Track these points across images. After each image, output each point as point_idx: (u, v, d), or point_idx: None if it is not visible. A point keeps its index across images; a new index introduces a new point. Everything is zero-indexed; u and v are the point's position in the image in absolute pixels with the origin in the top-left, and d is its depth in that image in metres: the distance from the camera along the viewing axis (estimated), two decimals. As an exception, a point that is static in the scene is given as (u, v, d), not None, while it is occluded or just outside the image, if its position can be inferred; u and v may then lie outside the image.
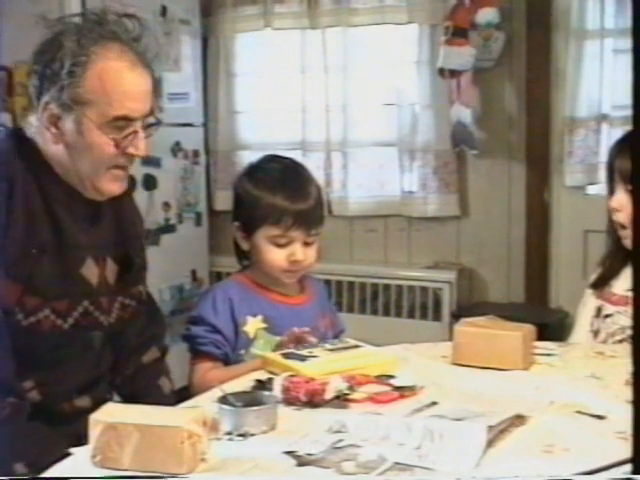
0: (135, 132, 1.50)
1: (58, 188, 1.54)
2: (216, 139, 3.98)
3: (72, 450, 1.19)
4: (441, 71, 3.40)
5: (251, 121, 4.01)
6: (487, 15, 3.30)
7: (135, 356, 1.74)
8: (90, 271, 1.58)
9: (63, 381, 1.55)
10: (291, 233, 1.73)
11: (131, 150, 1.51)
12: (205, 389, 1.64)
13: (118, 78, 1.48)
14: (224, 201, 3.86)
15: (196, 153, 3.83)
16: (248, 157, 3.91)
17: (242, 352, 1.71)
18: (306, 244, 1.76)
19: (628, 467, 1.02)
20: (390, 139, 3.75)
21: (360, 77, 3.75)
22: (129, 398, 1.67)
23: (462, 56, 3.32)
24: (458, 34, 3.31)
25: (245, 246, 1.80)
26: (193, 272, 3.78)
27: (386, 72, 3.72)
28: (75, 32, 1.49)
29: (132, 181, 1.72)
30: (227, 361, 1.75)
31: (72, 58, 1.46)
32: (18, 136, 1.56)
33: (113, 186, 1.56)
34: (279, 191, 1.74)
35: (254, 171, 1.82)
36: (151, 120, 1.54)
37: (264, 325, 1.73)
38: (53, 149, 1.52)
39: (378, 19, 3.68)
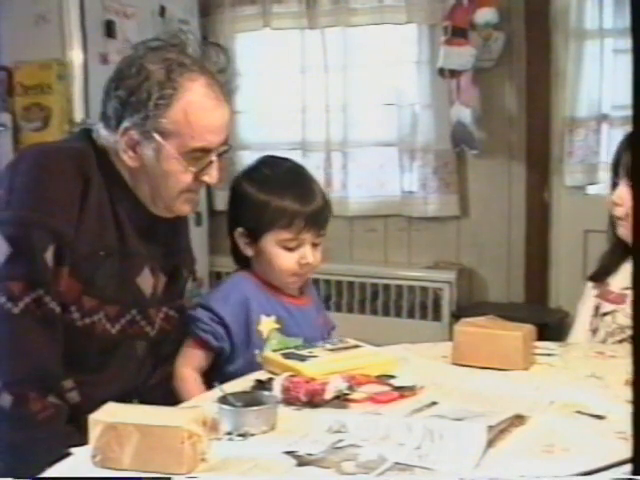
0: (211, 162, 1.53)
1: (126, 198, 1.56)
2: (216, 139, 3.98)
3: (72, 450, 1.19)
4: (441, 71, 3.41)
5: (251, 121, 4.01)
6: (486, 15, 3.30)
7: (164, 365, 1.72)
8: (145, 281, 1.60)
9: (104, 386, 1.54)
10: (302, 236, 1.70)
11: (205, 178, 1.55)
12: (178, 379, 1.66)
13: (202, 112, 1.49)
14: (224, 201, 3.85)
15: (196, 153, 3.83)
16: (248, 157, 3.92)
17: (256, 352, 1.68)
18: (314, 245, 1.73)
19: (628, 467, 1.02)
20: (390, 139, 3.76)
21: (360, 77, 3.75)
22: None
23: (462, 56, 3.32)
24: (458, 34, 3.31)
25: (249, 252, 1.75)
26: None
27: (386, 72, 3.72)
28: (161, 60, 1.49)
29: None
30: (222, 355, 1.70)
31: (159, 90, 1.47)
32: (92, 140, 1.57)
33: (185, 208, 1.60)
34: (287, 193, 1.70)
35: (255, 174, 1.77)
36: (225, 148, 1.56)
37: (277, 325, 1.72)
38: (127, 165, 1.54)
39: (377, 19, 3.68)
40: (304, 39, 3.81)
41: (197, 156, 1.51)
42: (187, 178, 1.53)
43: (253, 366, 1.64)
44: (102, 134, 1.55)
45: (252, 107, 3.99)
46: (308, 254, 1.71)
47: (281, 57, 3.89)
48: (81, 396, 1.53)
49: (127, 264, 1.56)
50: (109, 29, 3.13)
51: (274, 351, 1.63)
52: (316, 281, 3.79)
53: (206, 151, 1.52)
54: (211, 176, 1.55)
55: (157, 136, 1.48)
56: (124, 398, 1.55)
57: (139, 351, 1.63)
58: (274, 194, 1.70)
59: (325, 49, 3.76)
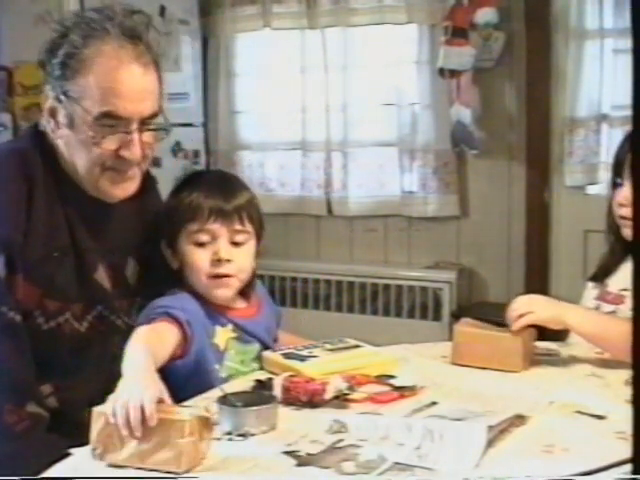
0: (128, 133, 1.46)
1: (73, 195, 1.52)
2: (216, 139, 3.98)
3: (72, 450, 1.19)
4: (441, 71, 3.41)
5: (251, 121, 4.00)
6: (486, 15, 3.30)
7: None
8: (103, 276, 1.57)
9: (82, 387, 1.50)
10: (210, 226, 1.59)
11: (125, 153, 1.47)
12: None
13: (109, 75, 1.44)
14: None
15: (196, 153, 3.84)
16: (248, 157, 3.92)
17: (217, 367, 1.58)
18: (234, 244, 1.61)
19: (628, 467, 1.02)
20: (390, 139, 3.75)
21: (360, 77, 3.75)
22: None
23: (462, 56, 3.32)
24: (458, 34, 3.31)
25: (175, 264, 1.63)
26: (193, 272, 3.78)
27: (386, 72, 3.72)
28: (80, 27, 1.47)
29: (152, 179, 1.72)
30: (185, 336, 1.53)
31: (72, 55, 1.44)
32: (39, 137, 1.54)
33: (115, 190, 1.52)
34: (194, 192, 1.62)
35: (177, 186, 1.69)
36: (151, 123, 1.49)
37: (234, 334, 1.62)
38: (65, 153, 1.50)
39: (377, 19, 3.68)
40: (304, 39, 3.80)
41: (109, 123, 1.44)
42: (99, 149, 1.46)
43: (213, 384, 1.50)
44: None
45: (252, 107, 3.99)
46: (221, 250, 1.59)
47: (281, 57, 3.88)
48: (60, 400, 1.50)
49: (82, 262, 1.53)
50: (109, 29, 3.13)
51: (243, 362, 1.61)
52: (317, 281, 3.81)
53: (117, 119, 1.45)
54: (131, 152, 1.47)
55: (65, 99, 1.45)
56: (104, 398, 1.53)
57: (114, 347, 1.54)
58: (185, 194, 1.63)
59: (325, 49, 3.76)
